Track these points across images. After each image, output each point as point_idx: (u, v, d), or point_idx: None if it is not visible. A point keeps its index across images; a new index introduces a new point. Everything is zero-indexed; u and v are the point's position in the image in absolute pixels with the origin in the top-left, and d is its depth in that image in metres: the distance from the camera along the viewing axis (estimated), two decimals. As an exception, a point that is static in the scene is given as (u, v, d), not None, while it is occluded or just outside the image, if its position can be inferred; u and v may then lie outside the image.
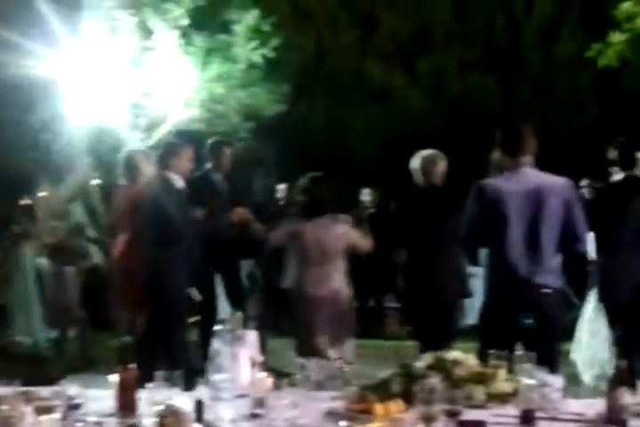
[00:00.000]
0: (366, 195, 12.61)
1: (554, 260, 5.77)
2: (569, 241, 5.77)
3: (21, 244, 11.08)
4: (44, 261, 11.06)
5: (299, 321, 7.21)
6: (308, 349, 6.81)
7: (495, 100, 18.88)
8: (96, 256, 12.86)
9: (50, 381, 5.43)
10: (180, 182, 7.64)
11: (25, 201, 14.18)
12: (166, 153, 7.75)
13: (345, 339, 7.13)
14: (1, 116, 12.03)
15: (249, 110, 12.84)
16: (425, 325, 7.69)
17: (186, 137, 10.81)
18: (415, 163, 7.63)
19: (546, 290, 5.71)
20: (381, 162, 17.40)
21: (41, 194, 14.10)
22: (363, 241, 7.26)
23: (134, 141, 12.03)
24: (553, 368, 5.07)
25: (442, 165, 7.64)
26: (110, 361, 8.68)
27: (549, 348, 5.65)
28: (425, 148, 7.85)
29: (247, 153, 12.37)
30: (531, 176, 5.77)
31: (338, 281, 7.10)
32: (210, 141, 8.93)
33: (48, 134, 12.67)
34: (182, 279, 7.64)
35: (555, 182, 5.78)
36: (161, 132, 12.20)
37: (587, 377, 8.39)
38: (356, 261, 11.79)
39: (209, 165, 8.72)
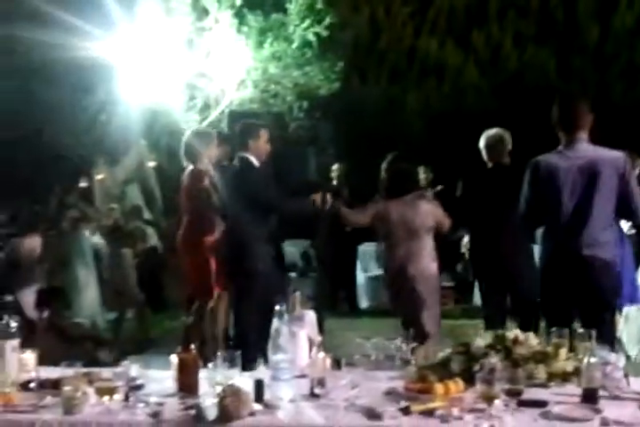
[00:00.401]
0: (421, 172, 12.55)
1: (605, 233, 5.76)
2: (624, 214, 5.84)
3: (79, 226, 11.19)
4: (101, 244, 11.17)
5: (394, 299, 7.29)
6: (408, 325, 6.91)
7: (552, 74, 18.64)
8: (153, 238, 12.99)
9: (110, 362, 5.49)
10: (257, 164, 7.63)
11: (82, 184, 14.36)
12: (245, 134, 7.62)
13: (432, 315, 7.15)
14: (57, 98, 12.14)
15: (303, 89, 12.80)
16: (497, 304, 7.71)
17: (241, 117, 10.83)
18: (481, 142, 7.62)
19: (596, 262, 5.69)
20: (436, 139, 17.29)
21: (98, 177, 14.26)
22: (445, 220, 7.28)
23: (189, 122, 12.08)
24: (607, 341, 5.09)
25: (508, 144, 7.63)
26: (168, 342, 8.81)
27: (603, 321, 5.66)
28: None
29: (301, 132, 12.36)
30: (586, 151, 5.77)
31: (426, 259, 7.13)
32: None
33: (104, 116, 12.76)
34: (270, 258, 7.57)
35: (610, 156, 5.77)
36: (216, 113, 12.21)
37: (633, 352, 8.33)
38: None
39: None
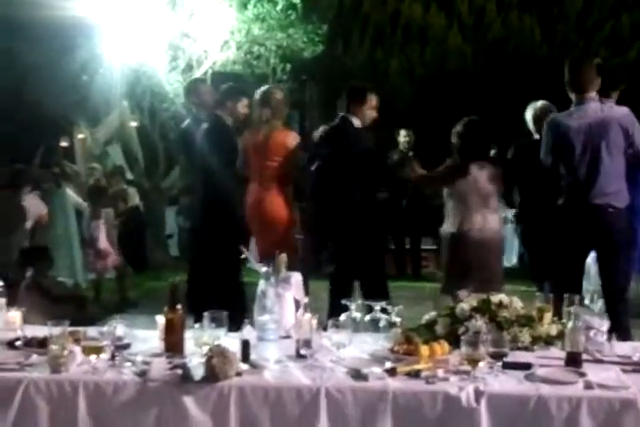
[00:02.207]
0: (402, 135, 12.54)
1: (615, 183, 6.28)
2: (631, 160, 6.33)
3: (61, 186, 11.15)
4: (83, 203, 11.13)
5: (461, 263, 7.23)
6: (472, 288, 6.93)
7: (535, 41, 18.59)
8: (135, 198, 12.98)
9: (94, 321, 5.50)
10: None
11: (63, 143, 14.28)
12: (353, 97, 7.47)
13: (500, 278, 7.17)
14: (39, 57, 12.04)
15: (287, 52, 12.72)
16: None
17: (224, 78, 10.76)
18: (528, 114, 7.76)
19: (610, 209, 6.23)
20: (420, 102, 17.26)
21: (80, 136, 14.20)
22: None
23: (172, 83, 12.01)
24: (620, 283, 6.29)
25: None
26: (149, 302, 8.82)
27: (618, 260, 6.36)
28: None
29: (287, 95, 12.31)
30: (595, 111, 6.28)
31: (496, 222, 7.13)
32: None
33: (86, 76, 12.67)
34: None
35: (616, 114, 6.30)
36: (198, 74, 12.14)
37: (596, 306, 8.36)
38: (393, 205, 11.79)
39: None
